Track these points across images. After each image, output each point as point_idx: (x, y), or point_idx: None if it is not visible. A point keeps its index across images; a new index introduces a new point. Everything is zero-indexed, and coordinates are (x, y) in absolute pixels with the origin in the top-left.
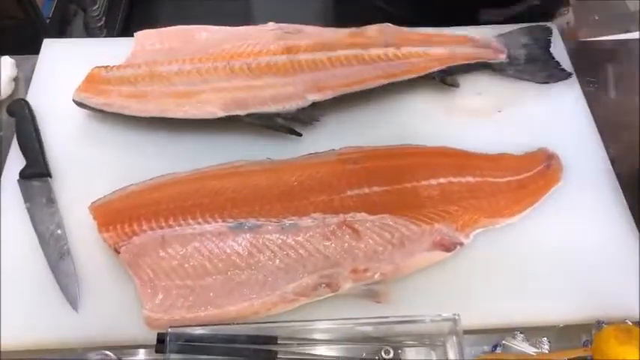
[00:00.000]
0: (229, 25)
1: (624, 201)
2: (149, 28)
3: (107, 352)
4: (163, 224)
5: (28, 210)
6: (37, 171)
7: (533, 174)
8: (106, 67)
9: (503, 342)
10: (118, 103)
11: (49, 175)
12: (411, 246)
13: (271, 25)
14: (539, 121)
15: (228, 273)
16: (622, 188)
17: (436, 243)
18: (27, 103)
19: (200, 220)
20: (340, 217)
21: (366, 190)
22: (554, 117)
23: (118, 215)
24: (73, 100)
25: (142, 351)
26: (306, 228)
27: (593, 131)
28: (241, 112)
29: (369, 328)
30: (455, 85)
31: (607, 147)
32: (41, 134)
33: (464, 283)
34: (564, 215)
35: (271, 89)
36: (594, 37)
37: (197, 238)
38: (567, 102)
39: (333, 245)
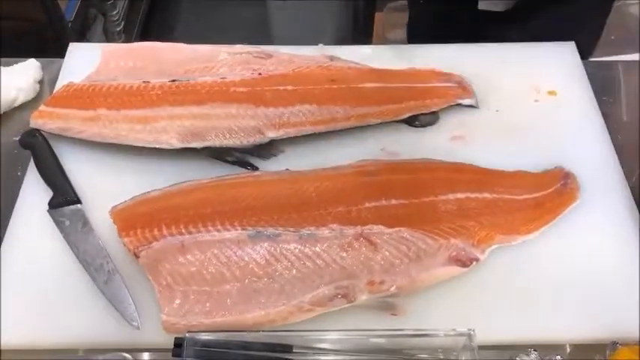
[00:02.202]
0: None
1: None
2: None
3: (125, 355)
4: (183, 230)
5: (65, 237)
6: (67, 199)
7: (550, 192)
8: (67, 85)
9: (517, 359)
10: (76, 127)
11: (79, 202)
12: (428, 260)
13: (239, 47)
14: (556, 139)
15: (246, 281)
16: (639, 208)
17: (452, 258)
18: (40, 132)
19: (219, 227)
20: (357, 228)
21: (384, 203)
22: (571, 135)
23: (139, 220)
24: (31, 128)
25: (158, 354)
26: (324, 238)
27: (611, 150)
28: (197, 145)
29: (383, 340)
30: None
31: (624, 166)
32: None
33: (479, 299)
34: (581, 234)
35: (230, 120)
36: (612, 56)
37: (216, 245)
38: (585, 121)
39: (350, 257)
